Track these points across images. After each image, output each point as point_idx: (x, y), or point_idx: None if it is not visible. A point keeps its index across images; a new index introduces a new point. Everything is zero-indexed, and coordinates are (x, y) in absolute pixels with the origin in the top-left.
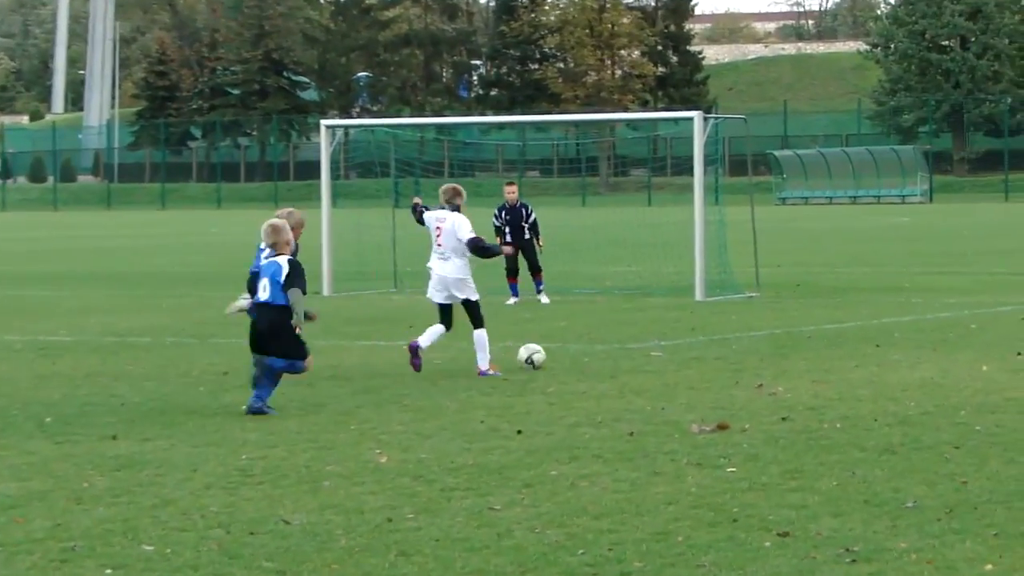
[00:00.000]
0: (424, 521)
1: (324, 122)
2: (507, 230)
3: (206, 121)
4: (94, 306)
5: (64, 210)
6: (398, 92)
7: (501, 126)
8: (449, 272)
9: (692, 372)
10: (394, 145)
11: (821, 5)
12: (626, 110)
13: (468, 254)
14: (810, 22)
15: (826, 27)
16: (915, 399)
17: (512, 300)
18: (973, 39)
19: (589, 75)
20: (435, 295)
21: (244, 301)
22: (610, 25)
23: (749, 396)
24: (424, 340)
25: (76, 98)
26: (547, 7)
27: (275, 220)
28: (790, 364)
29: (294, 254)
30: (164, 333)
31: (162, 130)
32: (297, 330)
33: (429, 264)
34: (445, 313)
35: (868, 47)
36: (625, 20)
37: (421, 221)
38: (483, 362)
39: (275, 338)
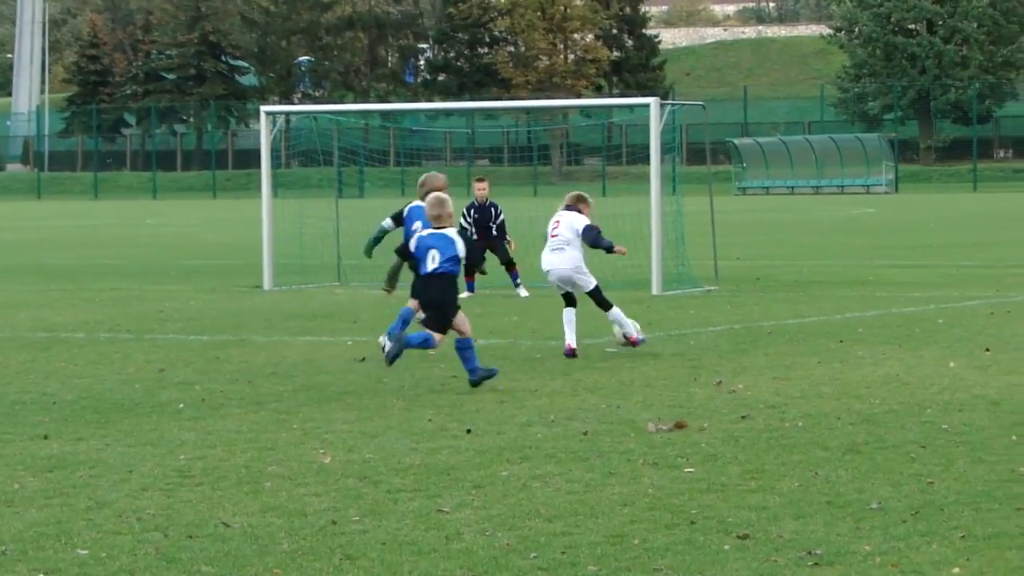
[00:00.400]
0: (370, 524)
1: (264, 108)
2: (473, 230)
3: (140, 107)
4: (24, 300)
5: None
6: (341, 77)
7: (449, 113)
8: (566, 264)
9: (648, 369)
10: (337, 133)
11: None
12: (579, 96)
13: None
14: (771, 4)
15: (788, 10)
16: (880, 397)
17: (466, 294)
18: (940, 23)
19: (541, 60)
20: (558, 290)
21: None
22: (563, 7)
23: (708, 394)
24: (572, 337)
25: (3, 83)
26: None
27: (442, 194)
28: (750, 361)
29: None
30: (98, 328)
31: (94, 117)
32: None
33: (545, 267)
34: (570, 297)
35: (831, 31)
36: (578, 2)
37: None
38: (632, 330)
39: (434, 307)
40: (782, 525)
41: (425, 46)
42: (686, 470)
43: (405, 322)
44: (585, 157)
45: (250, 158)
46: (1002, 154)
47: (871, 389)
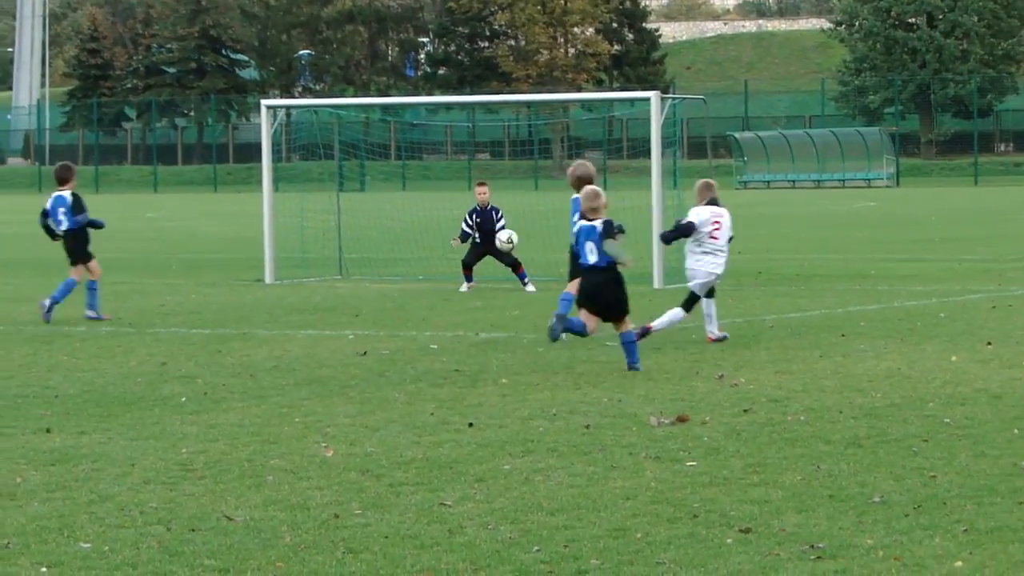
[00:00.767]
0: (372, 517)
1: (265, 102)
2: (477, 235)
3: (141, 101)
4: (26, 294)
5: None
6: (342, 71)
7: (449, 106)
8: (722, 267)
9: (650, 362)
10: (338, 126)
11: None
12: (580, 90)
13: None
14: None
15: (788, 3)
16: (882, 390)
17: (466, 287)
18: (940, 17)
19: (541, 53)
20: (701, 290)
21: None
22: (563, 1)
23: (710, 387)
24: (715, 325)
25: (4, 77)
26: None
27: (595, 186)
28: (752, 354)
29: None
30: (100, 322)
31: (95, 110)
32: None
33: (697, 266)
34: (694, 301)
35: (832, 24)
36: None
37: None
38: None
39: (607, 301)
40: (784, 519)
41: (425, 40)
42: (688, 464)
43: (567, 303)
44: (586, 151)
45: (251, 152)
46: (1003, 148)
47: (873, 383)
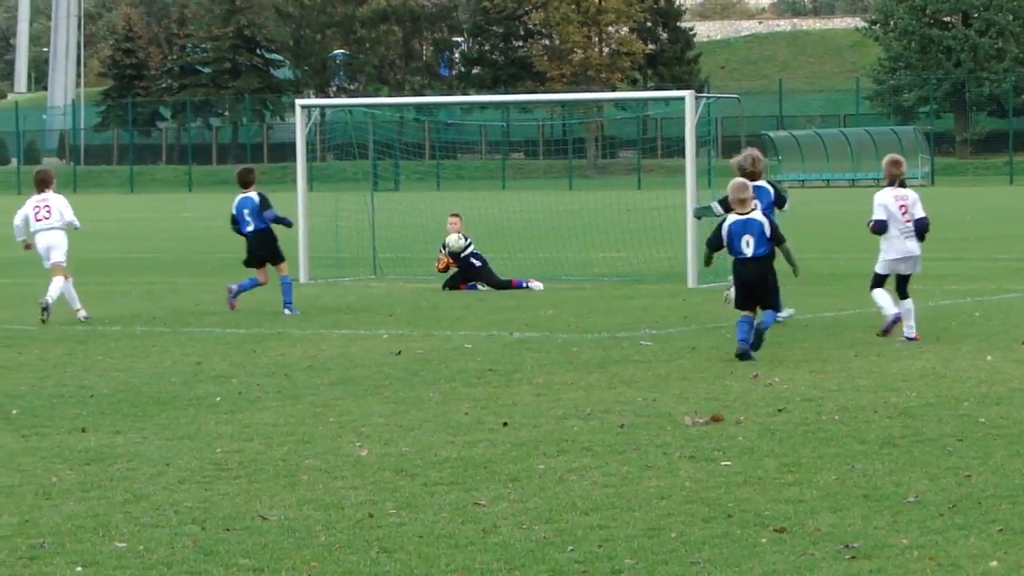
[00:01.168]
0: (407, 516)
1: (299, 102)
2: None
3: (176, 101)
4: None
5: (28, 193)
6: (376, 70)
7: (484, 106)
8: (916, 248)
9: (685, 362)
10: (372, 126)
11: None
12: (614, 89)
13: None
14: None
15: (823, 2)
16: (917, 390)
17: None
18: (975, 15)
19: (576, 53)
20: (903, 268)
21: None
22: (597, 0)
23: (744, 387)
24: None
25: (40, 77)
26: None
27: (743, 179)
28: (787, 353)
29: None
30: (135, 322)
31: (130, 110)
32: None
33: (894, 256)
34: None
35: (866, 23)
36: None
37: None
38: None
39: (764, 288)
40: (819, 518)
41: (460, 39)
42: (723, 463)
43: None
44: (620, 150)
45: (285, 151)
46: None
47: (908, 382)
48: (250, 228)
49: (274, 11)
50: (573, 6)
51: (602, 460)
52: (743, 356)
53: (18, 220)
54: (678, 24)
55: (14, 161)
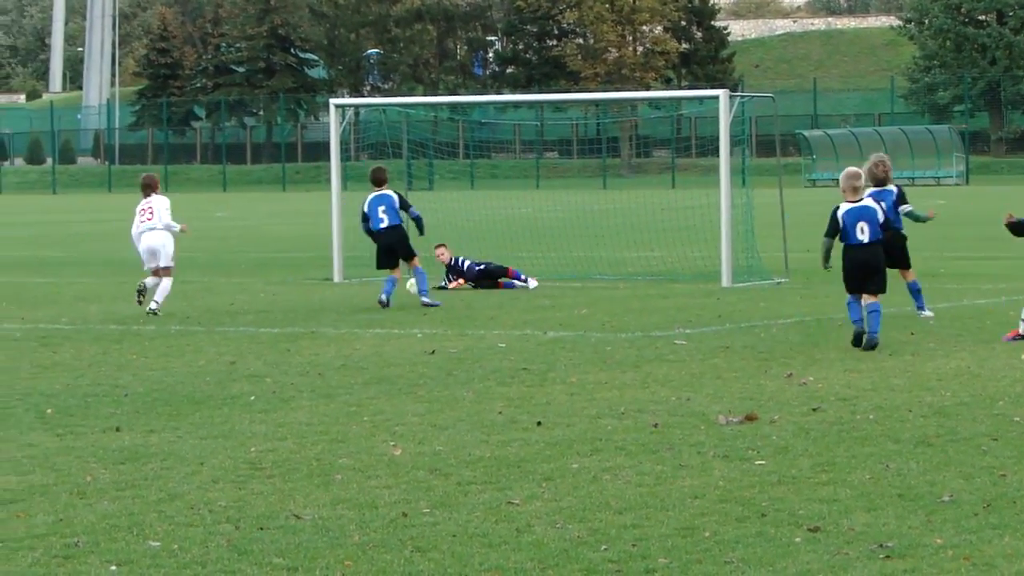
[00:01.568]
0: (440, 516)
1: (333, 101)
2: (462, 281)
3: (210, 100)
4: (96, 293)
5: (63, 193)
6: (410, 70)
7: (518, 105)
8: None
9: (719, 361)
10: (407, 125)
11: None
12: (648, 88)
13: None
14: None
15: (858, 1)
16: (951, 389)
17: (530, 283)
18: (1011, 13)
19: (610, 52)
20: None
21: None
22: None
23: (778, 386)
24: None
25: (75, 76)
26: None
27: (855, 168)
28: (821, 353)
29: None
30: (169, 321)
31: (164, 110)
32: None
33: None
34: None
35: (901, 22)
36: None
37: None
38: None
39: (876, 274)
40: (853, 518)
41: (494, 38)
42: (757, 462)
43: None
44: (654, 149)
45: (319, 151)
46: None
47: (942, 381)
48: (383, 224)
49: (308, 10)
50: (607, 5)
51: (636, 459)
52: (870, 346)
53: (133, 231)
54: (712, 23)
55: (49, 161)
